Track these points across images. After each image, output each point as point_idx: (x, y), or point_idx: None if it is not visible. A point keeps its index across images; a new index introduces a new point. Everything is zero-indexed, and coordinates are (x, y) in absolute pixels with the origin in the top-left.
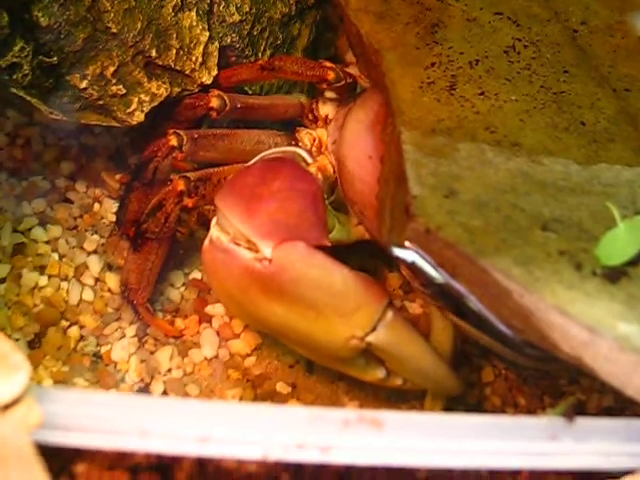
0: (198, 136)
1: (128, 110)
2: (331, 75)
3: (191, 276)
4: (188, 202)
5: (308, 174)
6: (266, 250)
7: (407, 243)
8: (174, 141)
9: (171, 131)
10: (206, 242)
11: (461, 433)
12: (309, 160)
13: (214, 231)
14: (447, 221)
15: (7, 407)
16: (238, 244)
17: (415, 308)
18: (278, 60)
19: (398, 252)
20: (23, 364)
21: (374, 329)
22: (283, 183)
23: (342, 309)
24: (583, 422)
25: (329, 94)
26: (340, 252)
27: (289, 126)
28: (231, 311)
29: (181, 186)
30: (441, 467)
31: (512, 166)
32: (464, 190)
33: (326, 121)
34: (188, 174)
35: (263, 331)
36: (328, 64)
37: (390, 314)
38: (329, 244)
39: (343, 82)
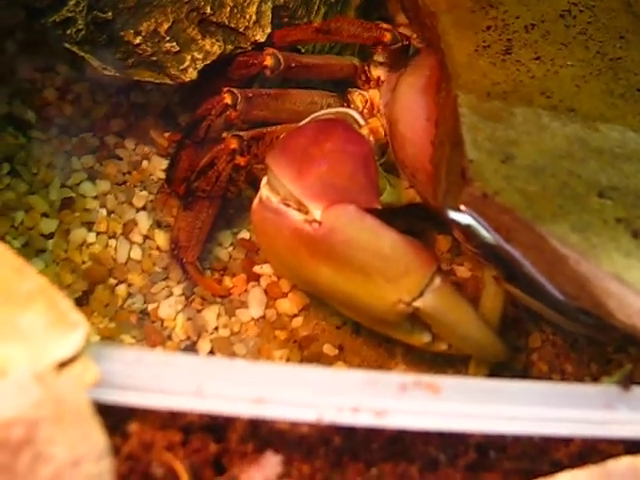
0: (252, 95)
1: (181, 67)
2: (388, 37)
3: (239, 236)
4: (240, 160)
5: (360, 136)
6: (316, 212)
7: (463, 207)
8: (228, 99)
9: (225, 89)
10: (255, 201)
11: (516, 399)
12: (361, 122)
13: (264, 191)
14: (504, 186)
15: (64, 365)
16: (288, 205)
17: (463, 272)
18: (334, 22)
19: (453, 215)
20: (81, 322)
21: (421, 294)
22: (335, 145)
23: (390, 273)
24: (639, 391)
25: (380, 57)
26: (389, 214)
27: (340, 87)
28: (279, 271)
29: (234, 144)
30: (494, 433)
31: (568, 132)
32: (521, 155)
33: (378, 82)
34: (241, 133)
35: (310, 292)
36: (385, 26)
37: (438, 280)
38: (380, 207)
39: (399, 44)
